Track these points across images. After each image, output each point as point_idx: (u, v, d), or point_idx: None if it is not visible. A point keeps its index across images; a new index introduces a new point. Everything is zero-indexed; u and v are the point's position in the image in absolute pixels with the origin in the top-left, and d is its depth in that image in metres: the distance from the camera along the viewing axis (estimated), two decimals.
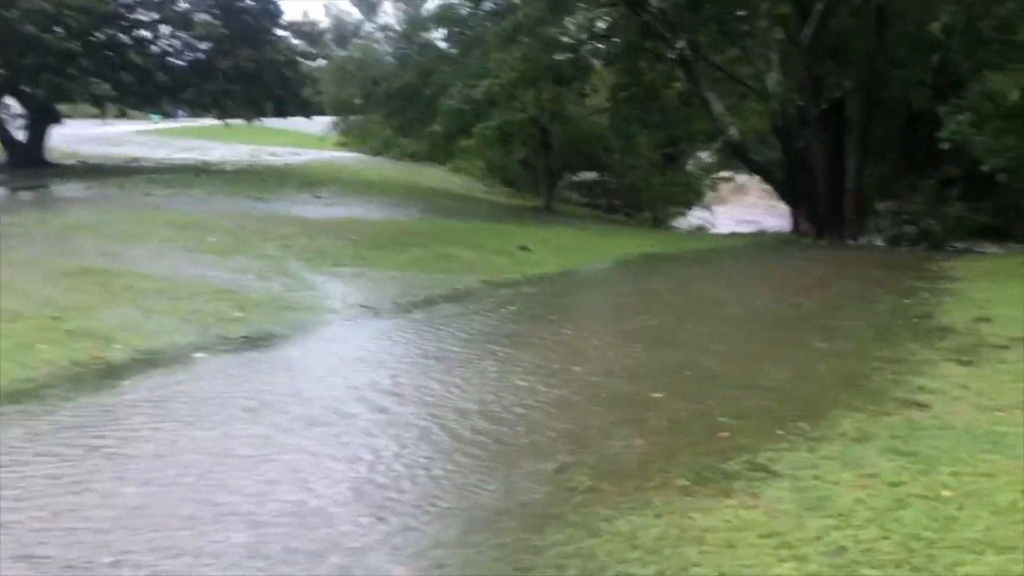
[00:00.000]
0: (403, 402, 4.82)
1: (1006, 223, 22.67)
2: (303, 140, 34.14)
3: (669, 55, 15.34)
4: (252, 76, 22.01)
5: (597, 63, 18.66)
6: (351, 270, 9.36)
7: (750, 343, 6.42)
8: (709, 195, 27.63)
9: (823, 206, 16.58)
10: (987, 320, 6.83)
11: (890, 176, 17.42)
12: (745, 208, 28.03)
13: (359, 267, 9.51)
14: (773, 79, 14.60)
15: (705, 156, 28.04)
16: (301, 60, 22.76)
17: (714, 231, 23.27)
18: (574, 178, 30.18)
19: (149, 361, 5.41)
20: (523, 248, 11.50)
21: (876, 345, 6.16)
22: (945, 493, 3.53)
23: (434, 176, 26.46)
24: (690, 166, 29.74)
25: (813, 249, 13.62)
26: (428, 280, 8.97)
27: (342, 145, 37.79)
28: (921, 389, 5.03)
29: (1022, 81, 11.99)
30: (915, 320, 6.96)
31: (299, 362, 5.78)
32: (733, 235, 17.77)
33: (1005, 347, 5.95)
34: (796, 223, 15.70)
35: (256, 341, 6.32)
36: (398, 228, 12.95)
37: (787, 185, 15.64)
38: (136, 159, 26.62)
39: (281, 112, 23.61)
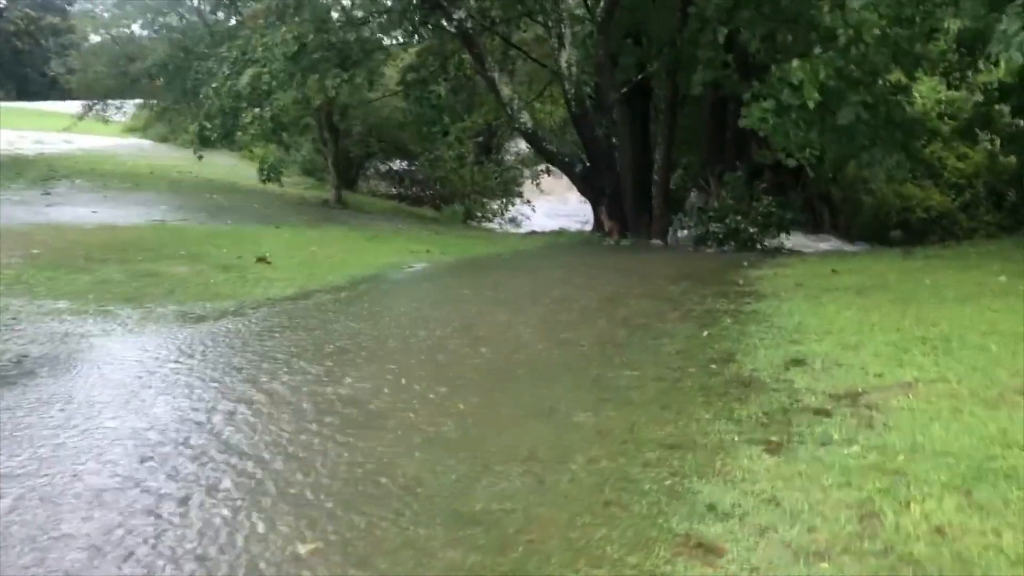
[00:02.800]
0: None
1: (816, 214, 22.47)
2: (93, 126, 30.00)
3: (448, 28, 13.41)
4: None
5: (391, 41, 16.43)
6: None
7: (487, 415, 4.55)
8: (531, 187, 26.13)
9: (629, 202, 15.24)
10: (800, 363, 5.30)
11: (698, 168, 16.35)
12: (564, 202, 26.73)
13: (10, 296, 7.03)
14: (566, 58, 12.96)
15: (524, 146, 26.59)
16: (43, 31, 19.34)
17: (525, 227, 21.82)
18: (382, 167, 28.13)
19: None
20: (261, 259, 9.30)
21: (656, 415, 4.45)
22: None
23: (222, 166, 23.46)
24: (510, 157, 28.27)
25: (612, 253, 12.09)
26: (100, 314, 6.64)
27: (129, 131, 33.94)
28: (711, 509, 3.31)
29: (823, 72, 10.82)
30: (712, 366, 5.34)
31: None
32: (531, 235, 16.11)
33: (825, 413, 4.38)
34: (598, 221, 14.21)
35: None
36: (112, 235, 10.38)
37: (585, 178, 14.09)
38: None
39: (24, 92, 20.07)
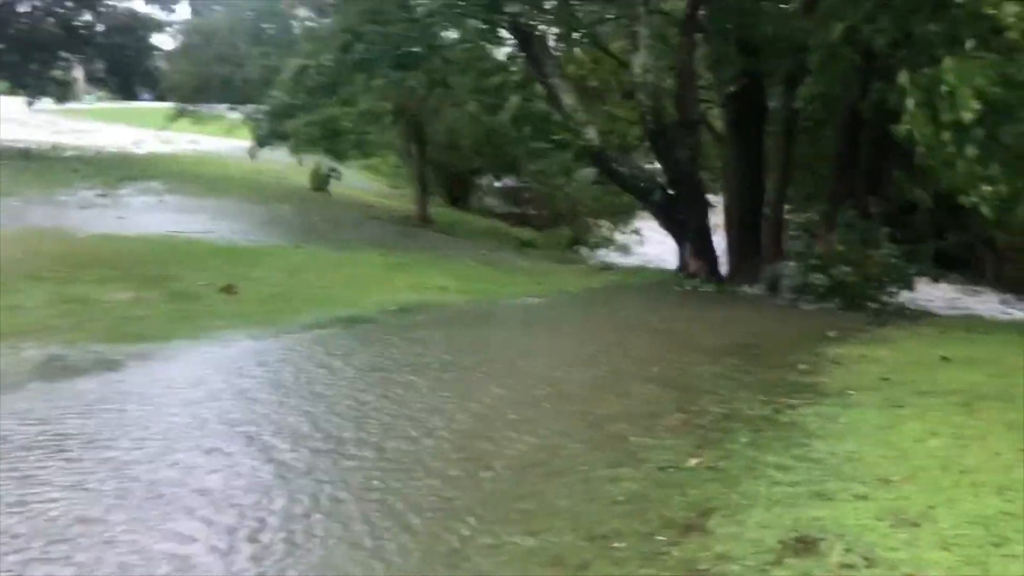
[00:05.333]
0: None
1: (978, 262, 19.02)
2: (222, 130, 30.25)
3: (501, 24, 11.60)
4: (88, 44, 18.20)
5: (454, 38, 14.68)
6: None
7: None
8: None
9: (733, 239, 12.99)
10: (808, 549, 3.13)
11: (814, 201, 13.83)
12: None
13: None
14: (640, 63, 10.87)
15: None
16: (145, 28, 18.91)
17: (636, 257, 19.88)
18: (496, 184, 26.78)
19: None
20: (225, 289, 7.83)
21: None
22: None
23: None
24: None
25: (675, 303, 9.84)
26: None
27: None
28: None
29: (981, 78, 8.26)
30: (658, 538, 3.23)
31: None
32: (603, 271, 13.96)
33: None
34: (683, 259, 12.00)
35: None
36: (96, 248, 9.21)
37: (664, 208, 11.88)
38: None
39: (127, 91, 19.80)
